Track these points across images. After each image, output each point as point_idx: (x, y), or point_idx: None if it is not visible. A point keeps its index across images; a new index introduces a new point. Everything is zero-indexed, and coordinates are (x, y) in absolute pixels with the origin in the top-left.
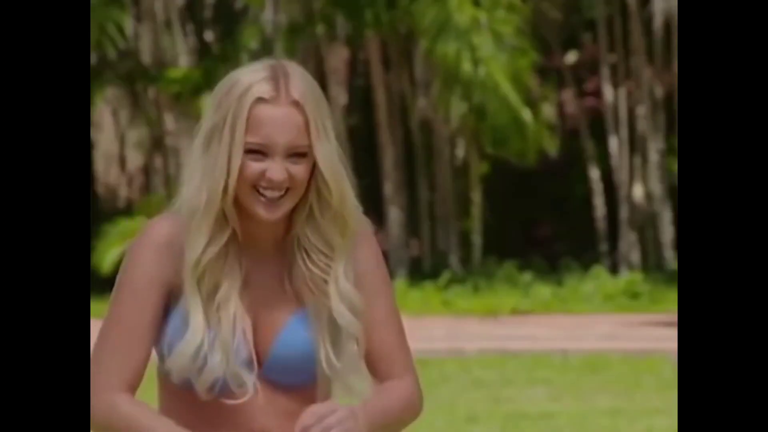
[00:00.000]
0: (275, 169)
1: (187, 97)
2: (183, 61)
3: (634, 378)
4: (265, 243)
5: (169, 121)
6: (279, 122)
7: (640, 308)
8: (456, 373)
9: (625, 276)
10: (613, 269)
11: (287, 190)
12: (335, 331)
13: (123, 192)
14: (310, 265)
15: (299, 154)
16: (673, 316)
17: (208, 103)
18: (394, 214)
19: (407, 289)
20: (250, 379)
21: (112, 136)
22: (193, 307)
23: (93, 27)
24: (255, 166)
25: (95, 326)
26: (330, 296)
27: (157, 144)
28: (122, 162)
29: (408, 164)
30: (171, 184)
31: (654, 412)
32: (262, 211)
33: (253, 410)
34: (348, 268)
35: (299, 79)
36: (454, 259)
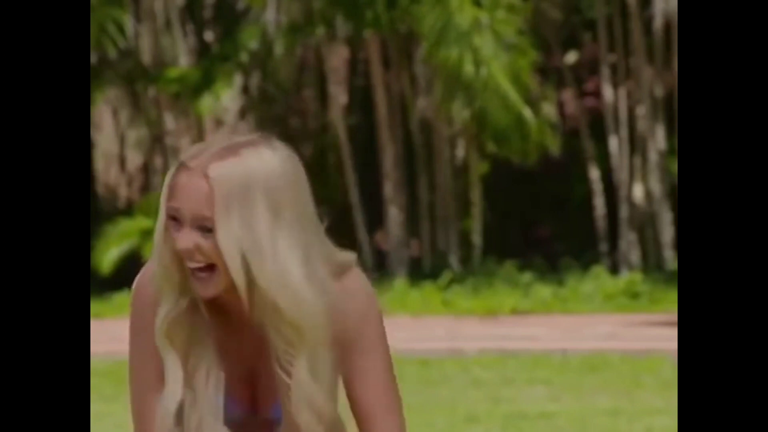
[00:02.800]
0: (181, 237)
1: (187, 97)
2: (183, 61)
3: (634, 378)
4: (236, 311)
5: (169, 121)
6: (185, 188)
7: (640, 308)
8: (456, 373)
9: (625, 276)
10: (613, 269)
11: (212, 267)
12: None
13: (123, 192)
14: (277, 354)
15: (206, 228)
16: (673, 316)
17: None
18: (394, 214)
19: (407, 289)
20: None
21: (112, 136)
22: (169, 362)
23: (93, 27)
24: (174, 233)
25: (95, 326)
26: (291, 399)
27: (157, 144)
28: (122, 162)
29: (408, 164)
30: None
31: (654, 412)
32: (194, 285)
33: None
34: (318, 359)
35: (235, 155)
36: (454, 259)
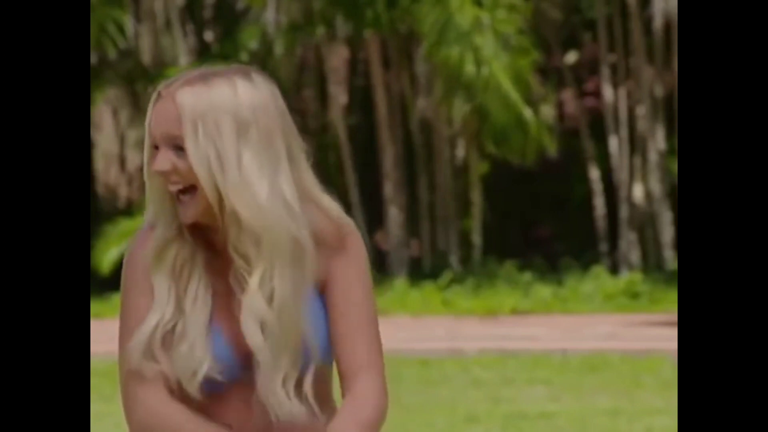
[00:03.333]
0: (158, 158)
1: None
2: (183, 61)
3: (634, 378)
4: (221, 244)
5: None
6: (158, 112)
7: (640, 308)
8: (456, 373)
9: (625, 276)
10: (613, 269)
11: (192, 187)
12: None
13: (123, 192)
14: (235, 272)
15: (180, 147)
16: (673, 316)
17: None
18: (394, 214)
19: (407, 289)
20: (216, 361)
21: (112, 136)
22: (157, 287)
23: (93, 27)
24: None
25: (95, 326)
26: (242, 312)
27: None
28: (122, 162)
29: (408, 164)
30: None
31: (654, 412)
32: (178, 210)
33: (245, 410)
34: (273, 275)
35: (205, 82)
36: (454, 259)
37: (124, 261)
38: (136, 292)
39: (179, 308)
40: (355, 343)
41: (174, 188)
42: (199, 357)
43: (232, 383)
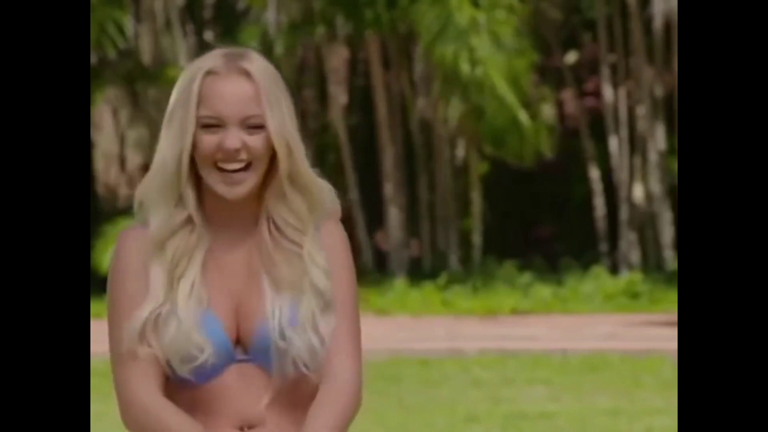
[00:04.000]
0: (230, 137)
1: None
2: (183, 61)
3: (634, 378)
4: (236, 226)
5: None
6: (228, 92)
7: (640, 308)
8: (456, 373)
9: (625, 276)
10: (613, 269)
11: (248, 164)
12: (305, 305)
13: (123, 192)
14: (282, 240)
15: (255, 126)
16: (673, 316)
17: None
18: (394, 214)
19: (407, 289)
20: (207, 343)
21: (112, 136)
22: (153, 276)
23: (93, 27)
24: (210, 138)
25: (95, 326)
26: (306, 266)
27: (157, 144)
28: (122, 162)
29: (408, 164)
30: None
31: (654, 412)
32: (223, 188)
33: (240, 395)
34: (317, 240)
35: (252, 56)
36: (454, 259)
37: (115, 251)
38: (130, 277)
39: (175, 295)
40: (337, 325)
41: (236, 166)
42: (195, 342)
43: (227, 367)
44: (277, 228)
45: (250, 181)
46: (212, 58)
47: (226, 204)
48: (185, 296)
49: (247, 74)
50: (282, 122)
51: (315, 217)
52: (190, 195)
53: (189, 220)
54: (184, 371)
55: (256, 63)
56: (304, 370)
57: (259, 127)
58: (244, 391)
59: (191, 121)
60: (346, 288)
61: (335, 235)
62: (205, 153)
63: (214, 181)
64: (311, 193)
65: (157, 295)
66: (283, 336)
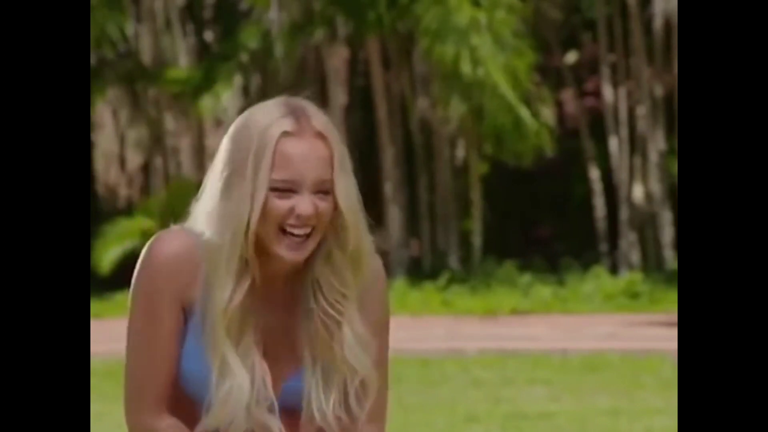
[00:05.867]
0: (305, 203)
1: (187, 97)
2: (183, 61)
3: (634, 378)
4: (279, 287)
5: (169, 121)
6: (306, 156)
7: (640, 308)
8: (456, 373)
9: (625, 276)
10: (613, 269)
11: (312, 229)
12: (339, 378)
13: (123, 192)
14: (326, 306)
15: (325, 191)
16: (673, 316)
17: (226, 137)
18: (394, 214)
19: (407, 289)
20: (276, 424)
21: (112, 136)
22: (229, 355)
23: (93, 27)
24: (282, 203)
25: (95, 326)
26: (344, 338)
27: (157, 144)
28: (122, 162)
29: (408, 164)
30: (171, 184)
31: (654, 412)
32: (287, 253)
33: None
34: (359, 308)
35: (318, 112)
36: (454, 259)
37: (146, 270)
38: (162, 322)
39: (231, 365)
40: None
41: (304, 231)
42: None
43: None
44: (323, 293)
45: (312, 246)
46: (282, 116)
47: (276, 266)
48: (250, 372)
49: (321, 136)
50: (350, 190)
51: (359, 281)
52: (254, 261)
53: (250, 288)
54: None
55: (324, 119)
56: None
57: (328, 192)
58: None
59: (264, 184)
60: (381, 348)
61: (380, 293)
62: (275, 217)
63: (278, 244)
64: (360, 258)
65: (241, 380)
66: (313, 404)
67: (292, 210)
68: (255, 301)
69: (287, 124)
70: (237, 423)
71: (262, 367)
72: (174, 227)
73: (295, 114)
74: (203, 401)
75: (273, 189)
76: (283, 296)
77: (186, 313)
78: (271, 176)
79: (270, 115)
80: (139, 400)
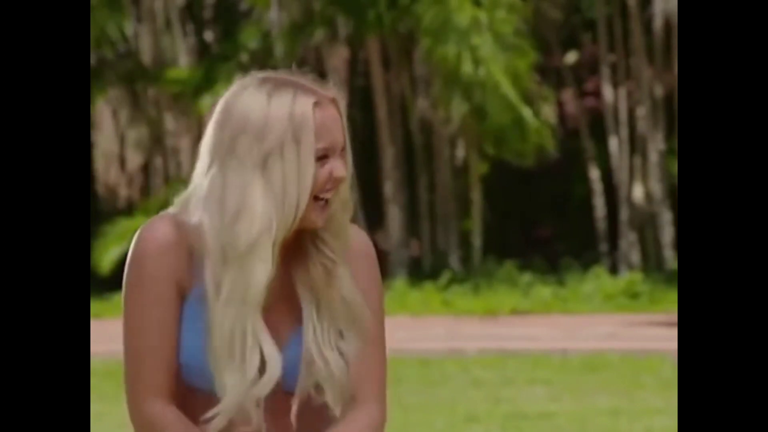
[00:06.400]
0: (340, 167)
1: (187, 97)
2: (183, 61)
3: (634, 378)
4: (285, 253)
5: (169, 121)
6: (335, 121)
7: (640, 308)
8: (456, 373)
9: (625, 276)
10: (613, 269)
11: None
12: (337, 328)
13: (123, 192)
14: (327, 251)
15: (342, 151)
16: (673, 316)
17: (227, 136)
18: (394, 214)
19: (407, 289)
20: (257, 414)
21: (112, 136)
22: (258, 329)
23: (93, 27)
24: (323, 170)
25: (95, 326)
26: (342, 279)
27: (157, 144)
28: (122, 162)
29: (408, 164)
30: (171, 184)
31: (654, 412)
32: (317, 217)
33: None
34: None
35: (314, 81)
36: (454, 259)
37: (137, 257)
38: (159, 306)
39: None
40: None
41: (330, 195)
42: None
43: None
44: (324, 243)
45: (330, 207)
46: (300, 92)
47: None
48: (255, 365)
49: (334, 102)
50: (349, 150)
51: (345, 243)
52: (288, 233)
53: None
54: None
55: (329, 86)
56: (329, 401)
57: (343, 153)
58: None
59: (311, 158)
60: (376, 326)
61: (371, 270)
62: (319, 185)
63: (311, 211)
64: (348, 219)
65: (273, 356)
66: (310, 362)
67: (330, 175)
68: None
69: (311, 96)
70: (228, 394)
71: (268, 344)
72: (162, 213)
73: (304, 86)
74: (199, 388)
75: (317, 159)
76: (286, 259)
77: (181, 294)
78: (318, 146)
79: (285, 95)
80: (138, 386)
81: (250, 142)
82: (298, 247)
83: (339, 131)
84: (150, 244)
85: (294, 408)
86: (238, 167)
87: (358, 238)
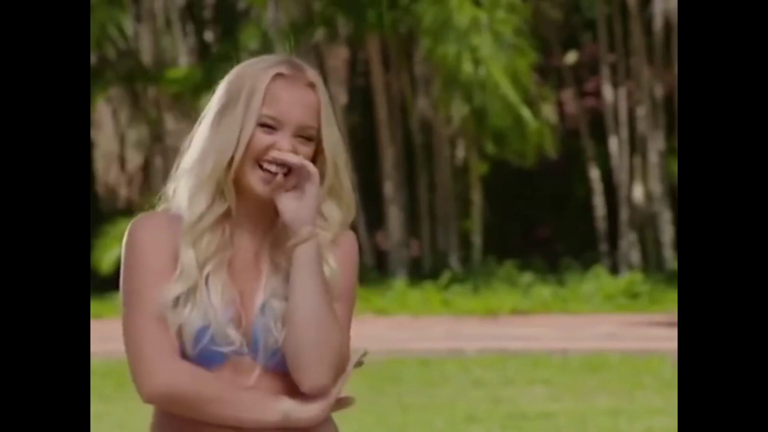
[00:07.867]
0: (284, 140)
1: (187, 97)
2: (183, 61)
3: (634, 378)
4: (257, 226)
5: (169, 121)
6: (296, 99)
7: (640, 308)
8: (456, 373)
9: (625, 276)
10: (613, 269)
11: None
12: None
13: (123, 192)
14: (282, 242)
15: (307, 137)
16: (673, 316)
17: (219, 87)
18: (394, 214)
19: (407, 289)
20: (238, 337)
21: (112, 136)
22: (187, 260)
23: (93, 27)
24: (264, 138)
25: (95, 326)
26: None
27: (157, 144)
28: (122, 162)
29: (408, 164)
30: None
31: (654, 412)
32: (258, 184)
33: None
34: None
35: (311, 68)
36: (454, 259)
37: (133, 229)
38: (153, 252)
39: (203, 286)
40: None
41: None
42: (228, 337)
43: (230, 358)
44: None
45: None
46: (277, 63)
47: (253, 202)
48: (217, 294)
49: (312, 86)
50: (335, 140)
51: (344, 218)
52: (231, 189)
53: (226, 215)
54: (193, 350)
55: (316, 74)
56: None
57: (310, 139)
58: (238, 385)
59: (254, 117)
60: (344, 308)
61: (350, 250)
62: (256, 150)
63: (253, 178)
64: (344, 202)
65: (190, 275)
66: (273, 333)
67: (272, 145)
68: (233, 238)
69: (282, 68)
70: (193, 319)
71: (233, 293)
72: (151, 211)
73: (291, 63)
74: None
75: (260, 124)
76: (261, 237)
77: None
78: (261, 112)
79: (266, 61)
80: (150, 350)
81: (214, 102)
82: (280, 232)
83: (301, 111)
84: (140, 232)
85: (257, 371)
86: (203, 126)
87: (345, 239)
